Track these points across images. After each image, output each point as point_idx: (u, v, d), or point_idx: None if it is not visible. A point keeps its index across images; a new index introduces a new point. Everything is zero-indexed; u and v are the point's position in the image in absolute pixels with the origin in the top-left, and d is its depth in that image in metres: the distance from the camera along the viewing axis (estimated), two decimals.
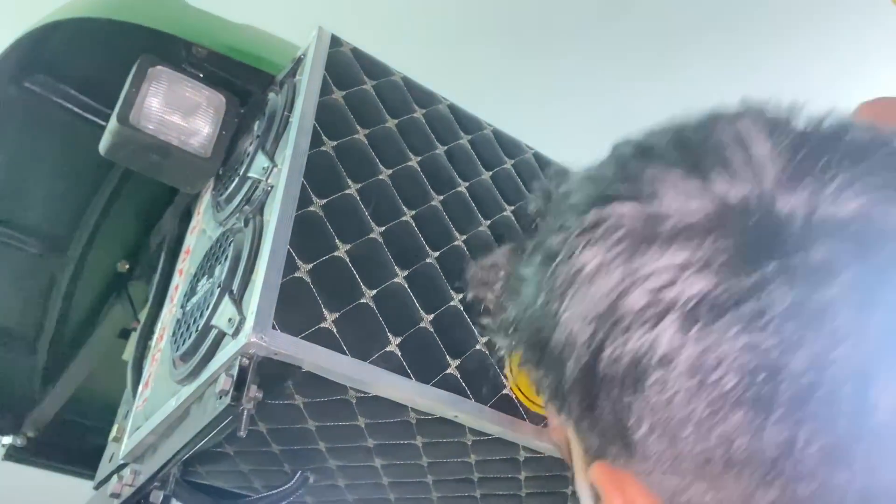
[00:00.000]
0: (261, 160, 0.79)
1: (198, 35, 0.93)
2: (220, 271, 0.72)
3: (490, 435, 0.75)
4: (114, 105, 1.04)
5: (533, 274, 0.36)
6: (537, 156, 0.99)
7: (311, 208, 0.72)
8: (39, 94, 1.02)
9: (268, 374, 0.65)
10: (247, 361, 0.63)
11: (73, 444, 1.53)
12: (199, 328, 0.70)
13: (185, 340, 0.72)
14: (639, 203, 0.31)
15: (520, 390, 0.77)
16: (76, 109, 1.05)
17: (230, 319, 0.66)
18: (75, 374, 1.39)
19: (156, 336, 0.92)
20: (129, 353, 1.36)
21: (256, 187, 0.79)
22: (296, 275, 0.68)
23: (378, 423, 0.75)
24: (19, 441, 1.45)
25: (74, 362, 1.37)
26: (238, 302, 0.67)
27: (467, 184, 0.88)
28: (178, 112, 0.89)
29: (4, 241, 1.23)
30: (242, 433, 0.63)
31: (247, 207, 0.79)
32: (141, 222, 1.27)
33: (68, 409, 1.43)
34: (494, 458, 0.80)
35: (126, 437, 0.83)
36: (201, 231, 0.93)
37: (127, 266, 1.30)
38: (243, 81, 0.95)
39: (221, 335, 0.68)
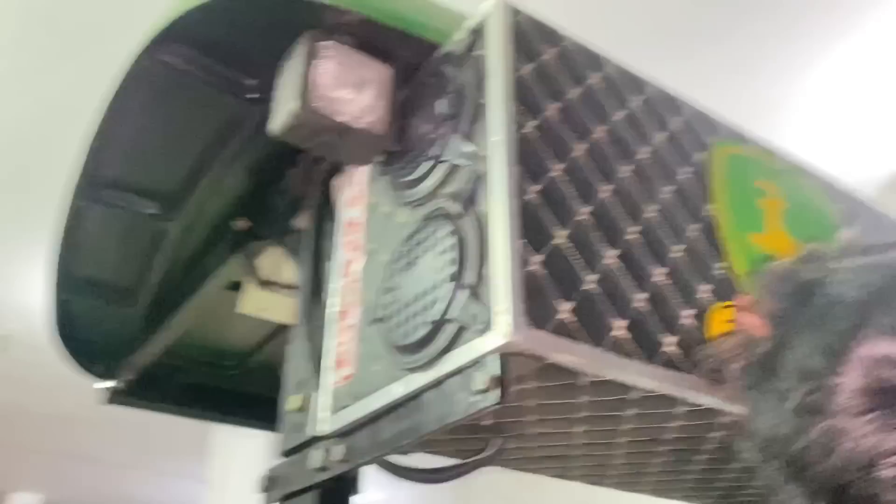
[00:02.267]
0: (460, 144, 0.78)
1: (349, 1, 0.90)
2: (445, 263, 0.73)
3: (701, 405, 0.78)
4: (250, 72, 1.03)
5: (789, 410, 0.39)
6: (699, 109, 0.98)
7: (529, 196, 0.72)
8: (170, 63, 1.00)
9: (517, 367, 0.67)
10: (505, 360, 0.65)
11: (169, 386, 1.60)
12: (434, 320, 0.71)
13: (411, 330, 0.74)
14: None
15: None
16: (208, 78, 1.04)
17: (475, 316, 0.67)
18: (180, 323, 1.44)
19: (334, 309, 0.93)
20: (248, 308, 1.40)
21: (453, 172, 0.79)
22: (530, 268, 0.68)
23: (597, 401, 0.78)
24: (120, 384, 1.51)
25: (180, 311, 1.41)
26: (477, 296, 0.68)
27: (649, 148, 0.88)
28: (351, 89, 0.87)
29: (120, 205, 1.24)
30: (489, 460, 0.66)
31: (445, 191, 0.79)
32: (257, 180, 1.27)
33: (166, 353, 1.49)
34: (693, 422, 0.83)
35: (329, 413, 0.86)
36: (372, 206, 0.93)
37: (247, 224, 1.31)
38: (401, 49, 0.93)
39: (461, 329, 0.69)
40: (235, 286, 1.42)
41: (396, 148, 0.89)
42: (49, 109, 2.95)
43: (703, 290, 0.82)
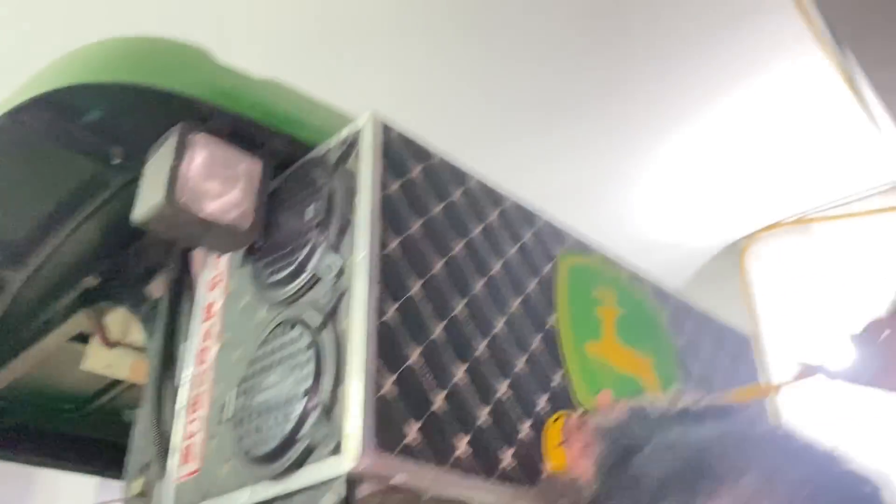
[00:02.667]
0: (326, 256, 0.81)
1: (222, 97, 0.91)
2: (301, 377, 0.75)
3: None
4: (117, 141, 1.02)
5: None
6: (549, 222, 1.06)
7: (388, 316, 0.76)
8: (27, 123, 0.97)
9: (363, 491, 0.70)
10: (352, 483, 0.68)
11: None
12: (284, 435, 0.73)
13: (263, 441, 0.75)
14: None
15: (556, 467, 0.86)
16: (68, 141, 1.01)
17: (325, 437, 0.70)
18: (17, 368, 1.39)
19: (184, 397, 0.93)
20: (92, 365, 1.36)
21: (316, 281, 0.81)
22: (383, 390, 0.72)
23: None
24: None
25: (18, 357, 1.36)
26: (329, 415, 0.71)
27: (501, 261, 0.94)
28: (219, 183, 0.88)
29: None
30: None
31: (307, 299, 0.81)
32: (113, 240, 1.24)
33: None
34: None
35: None
36: (232, 295, 0.93)
37: (97, 281, 1.28)
38: (274, 143, 0.95)
39: (311, 447, 0.71)
40: (81, 337, 1.38)
41: (261, 243, 0.91)
42: None
43: (542, 401, 0.89)
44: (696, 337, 1.24)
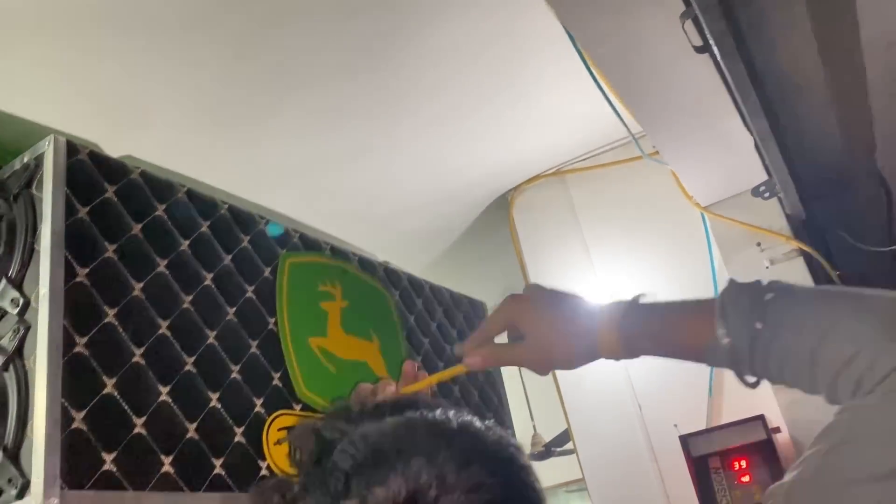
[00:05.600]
0: (9, 291, 0.79)
1: None
2: None
3: None
4: None
5: None
6: (272, 227, 1.09)
7: (77, 349, 0.76)
8: None
9: None
10: None
11: None
12: None
13: None
14: None
15: (276, 465, 0.92)
16: None
17: (10, 480, 0.70)
18: None
19: None
20: None
21: (2, 316, 0.79)
22: (73, 426, 0.73)
23: None
24: None
25: None
26: (15, 459, 0.71)
27: (212, 274, 0.96)
28: None
29: None
30: None
31: None
32: None
33: None
34: None
35: None
36: None
37: None
38: None
39: (2, 493, 0.71)
40: None
41: None
42: None
43: (258, 405, 0.93)
44: (428, 313, 1.34)
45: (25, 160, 0.85)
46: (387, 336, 1.20)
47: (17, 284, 0.79)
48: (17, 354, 0.76)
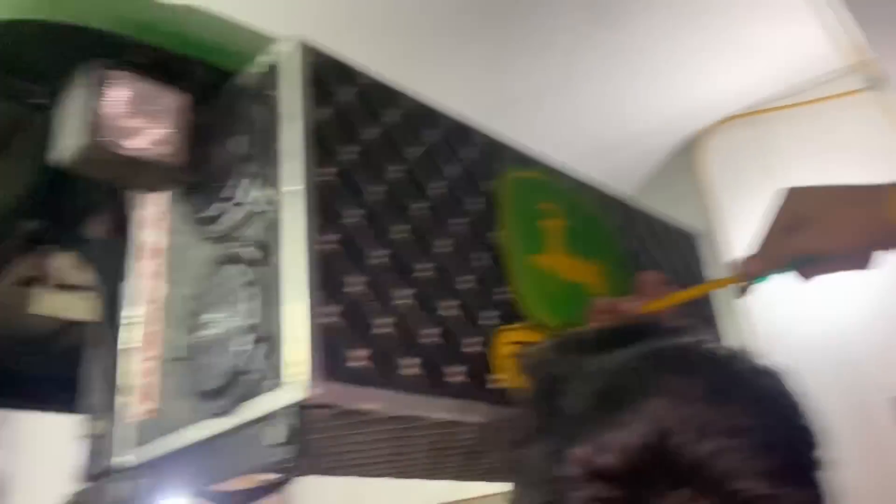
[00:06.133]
0: (258, 187, 0.79)
1: (139, 29, 0.87)
2: (243, 312, 0.74)
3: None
4: (36, 80, 0.97)
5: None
6: (491, 137, 1.05)
7: (326, 244, 0.75)
8: None
9: (313, 419, 0.71)
10: (299, 414, 0.69)
11: None
12: (230, 370, 0.73)
13: (210, 377, 0.76)
14: None
15: (505, 379, 0.88)
16: None
17: (271, 369, 0.70)
18: None
19: (136, 337, 0.92)
20: (41, 309, 1.35)
21: (250, 216, 0.80)
22: (326, 319, 0.72)
23: (395, 429, 0.84)
24: None
25: None
26: (274, 348, 0.71)
27: (443, 181, 0.93)
28: (143, 119, 0.85)
29: None
30: (288, 480, 0.70)
31: (242, 234, 0.80)
32: (47, 182, 1.21)
33: None
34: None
35: (133, 445, 0.86)
36: (172, 233, 0.92)
37: (36, 225, 1.25)
38: (197, 74, 0.91)
39: (258, 380, 0.72)
40: (32, 281, 1.36)
41: (193, 179, 0.88)
42: None
43: (490, 317, 0.90)
44: (646, 240, 1.26)
45: (268, 62, 0.85)
46: (607, 260, 1.13)
47: (266, 182, 0.79)
48: (271, 249, 0.76)
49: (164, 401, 0.84)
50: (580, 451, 0.41)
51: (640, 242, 1.24)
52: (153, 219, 0.97)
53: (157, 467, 0.85)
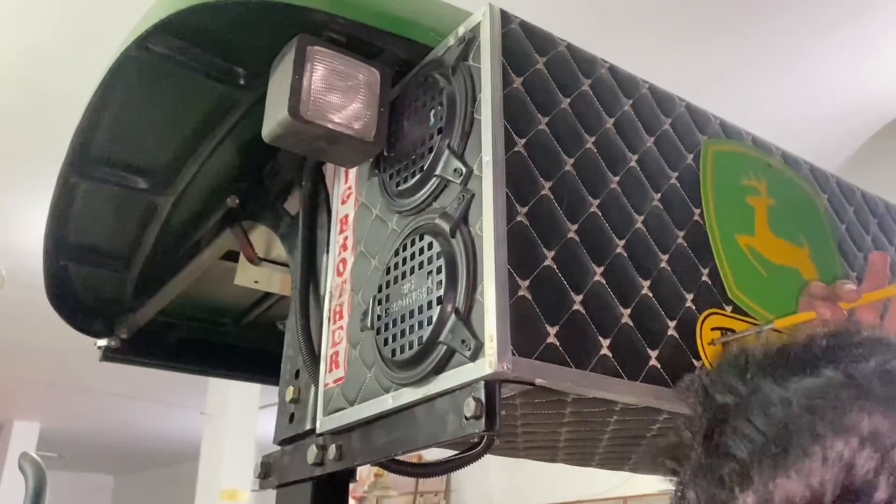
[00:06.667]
0: (452, 161, 0.78)
1: (336, 4, 0.88)
2: (435, 284, 0.74)
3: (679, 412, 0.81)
4: (240, 62, 1.03)
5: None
6: (689, 107, 0.98)
7: (518, 218, 0.73)
8: (157, 52, 0.99)
9: (505, 394, 0.69)
10: (493, 388, 0.67)
11: (165, 343, 1.68)
12: (423, 341, 0.73)
13: (402, 347, 0.76)
14: None
15: (711, 365, 0.82)
16: (195, 66, 1.03)
17: (464, 341, 0.69)
18: (174, 288, 1.49)
19: (328, 306, 0.95)
20: (243, 280, 1.43)
21: (443, 187, 0.80)
22: (519, 294, 0.70)
23: (582, 411, 0.81)
24: (114, 343, 1.57)
25: (175, 279, 1.45)
26: (467, 322, 0.70)
27: (636, 156, 0.88)
28: (341, 94, 0.87)
29: (111, 181, 1.26)
30: (475, 458, 0.69)
31: (435, 206, 0.80)
32: (249, 160, 1.28)
33: (161, 312, 1.55)
34: (672, 424, 0.87)
35: (322, 413, 0.89)
36: (365, 206, 0.94)
37: (238, 201, 1.33)
38: (392, 49, 0.92)
39: (451, 352, 0.71)
40: (230, 255, 1.45)
41: (388, 152, 0.90)
42: (50, 40, 2.88)
43: (688, 300, 0.84)
44: (861, 223, 1.13)
45: (461, 33, 0.85)
46: (817, 243, 1.03)
47: (460, 154, 0.78)
48: (463, 221, 0.75)
49: (353, 370, 0.86)
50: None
51: (860, 223, 1.12)
52: (347, 193, 0.99)
53: (345, 435, 0.87)
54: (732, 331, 0.85)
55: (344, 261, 0.95)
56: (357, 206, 0.96)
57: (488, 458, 1.07)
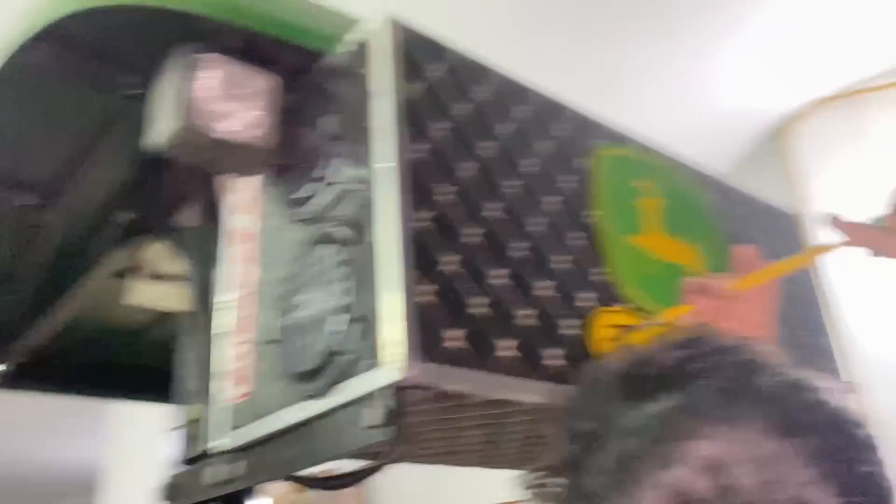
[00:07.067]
0: (349, 167, 0.78)
1: (229, 12, 0.87)
2: (336, 292, 0.73)
3: None
4: (129, 71, 0.99)
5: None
6: (581, 114, 1.01)
7: (419, 223, 0.73)
8: (37, 62, 0.95)
9: (409, 401, 0.69)
10: (396, 395, 0.67)
11: (61, 368, 1.60)
12: (325, 351, 0.72)
13: (304, 359, 0.75)
14: None
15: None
16: (79, 76, 0.99)
17: (366, 350, 0.69)
18: (67, 309, 1.42)
19: (228, 322, 0.93)
20: (135, 300, 1.38)
21: (342, 195, 0.79)
22: (423, 298, 0.70)
23: (488, 413, 0.81)
24: (10, 368, 1.50)
25: (66, 298, 1.39)
26: (369, 329, 0.70)
27: (531, 161, 0.90)
28: (234, 102, 0.85)
29: None
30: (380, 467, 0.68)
31: (334, 214, 0.79)
32: (140, 173, 1.24)
33: (56, 335, 1.48)
34: None
35: (229, 428, 0.86)
36: (264, 217, 0.92)
37: (131, 216, 1.28)
38: (285, 56, 0.91)
39: (353, 361, 0.70)
40: (125, 272, 1.40)
41: (283, 161, 0.88)
42: None
43: (588, 299, 0.86)
44: (744, 221, 1.19)
45: (356, 40, 0.84)
46: (706, 241, 1.07)
47: (355, 161, 0.78)
48: (362, 228, 0.75)
49: (258, 384, 0.84)
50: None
51: (739, 222, 1.18)
52: (244, 203, 0.97)
53: (252, 451, 0.84)
54: (628, 327, 0.87)
55: (246, 273, 0.93)
56: (255, 216, 0.94)
57: (408, 468, 1.07)
